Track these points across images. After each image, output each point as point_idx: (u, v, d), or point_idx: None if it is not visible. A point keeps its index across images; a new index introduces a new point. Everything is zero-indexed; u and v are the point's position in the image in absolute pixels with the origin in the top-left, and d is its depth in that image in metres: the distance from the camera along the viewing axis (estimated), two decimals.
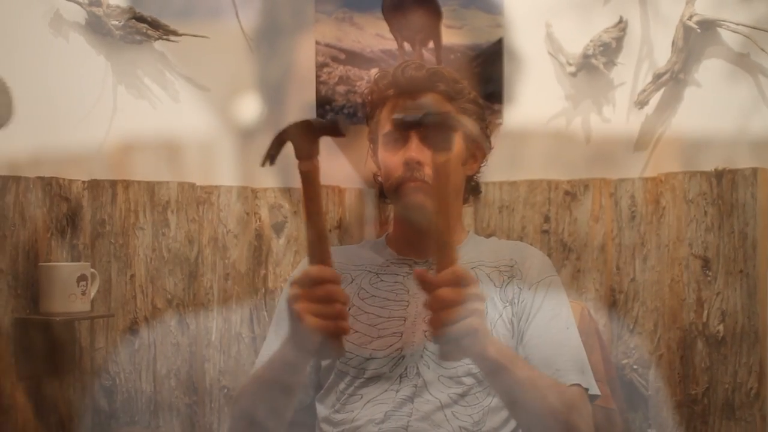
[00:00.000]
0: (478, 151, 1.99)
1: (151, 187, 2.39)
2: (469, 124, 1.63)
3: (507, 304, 1.88)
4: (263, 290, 2.46)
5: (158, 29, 2.39)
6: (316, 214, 1.62)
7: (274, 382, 1.79)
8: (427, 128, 1.64)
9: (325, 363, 1.91)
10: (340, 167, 2.50)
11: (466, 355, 1.61)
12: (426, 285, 1.56)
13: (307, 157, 1.61)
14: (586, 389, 1.81)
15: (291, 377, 1.78)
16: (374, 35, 2.50)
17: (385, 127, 1.92)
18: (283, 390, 1.80)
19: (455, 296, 1.53)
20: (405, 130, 1.86)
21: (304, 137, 1.61)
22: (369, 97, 2.00)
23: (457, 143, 1.91)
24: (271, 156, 1.62)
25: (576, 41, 2.43)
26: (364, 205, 2.51)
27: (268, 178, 2.46)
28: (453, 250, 1.58)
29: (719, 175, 2.32)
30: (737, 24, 2.31)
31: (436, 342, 1.57)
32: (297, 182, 2.31)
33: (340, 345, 1.62)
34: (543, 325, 1.85)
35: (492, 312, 1.86)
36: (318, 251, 1.62)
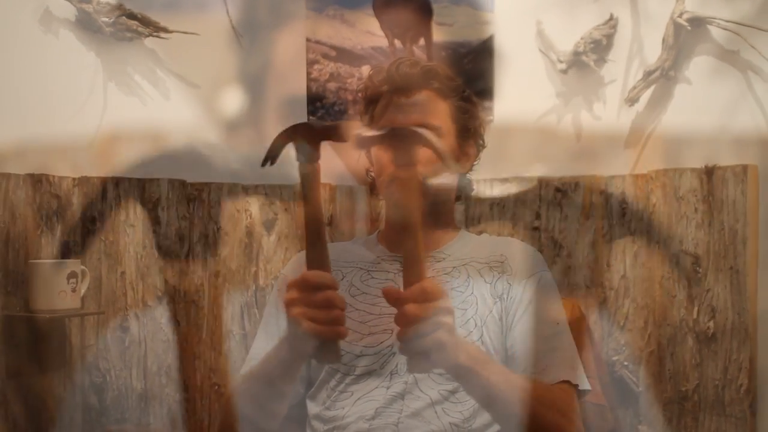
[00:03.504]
0: (471, 148, 1.99)
1: (141, 184, 2.38)
2: (433, 140, 1.62)
3: (497, 299, 1.88)
4: (254, 287, 2.46)
5: (149, 26, 2.39)
6: (315, 218, 1.61)
7: (267, 383, 1.79)
8: (390, 144, 1.63)
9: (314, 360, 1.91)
10: (330, 164, 2.50)
11: (435, 368, 1.61)
12: (394, 300, 1.56)
13: (308, 160, 1.61)
14: (576, 385, 1.81)
15: (285, 379, 1.78)
16: (365, 32, 2.50)
17: (379, 123, 1.92)
18: (276, 391, 1.80)
19: (422, 311, 1.53)
20: (365, 147, 1.87)
21: (306, 140, 1.61)
22: (363, 93, 2.00)
23: (450, 141, 1.91)
24: (272, 157, 1.61)
25: (566, 38, 2.43)
26: (355, 202, 2.51)
27: (258, 176, 2.46)
28: (422, 265, 1.57)
29: (709, 171, 2.33)
30: (727, 21, 2.32)
31: (403, 354, 1.57)
32: (287, 179, 2.34)
33: (337, 349, 1.61)
34: (532, 321, 1.85)
35: (482, 308, 1.86)
36: (316, 255, 1.61)
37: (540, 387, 1.77)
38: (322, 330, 1.58)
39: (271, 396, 1.80)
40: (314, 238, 1.62)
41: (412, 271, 1.57)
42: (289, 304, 1.59)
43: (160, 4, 2.43)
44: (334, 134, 1.63)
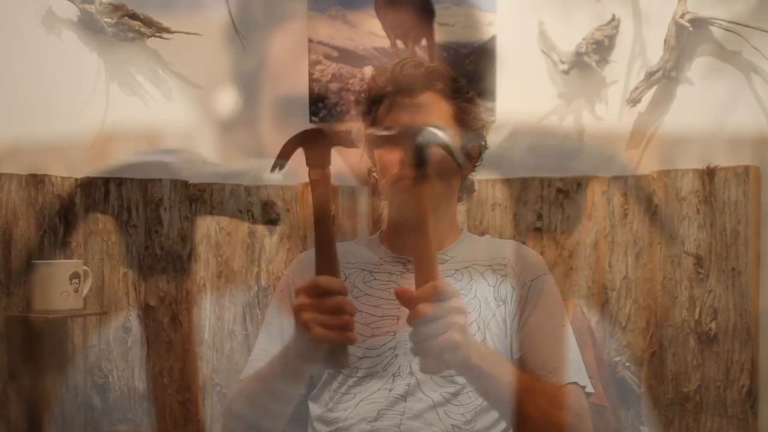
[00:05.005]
0: (474, 149, 1.99)
1: (143, 185, 2.38)
2: (446, 138, 1.62)
3: (500, 303, 1.88)
4: (256, 288, 2.46)
5: (151, 26, 2.39)
6: (326, 223, 1.62)
7: (272, 388, 1.79)
8: (402, 143, 1.64)
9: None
10: (333, 164, 2.50)
11: (447, 368, 1.61)
12: (406, 300, 1.56)
13: (319, 166, 1.60)
14: (583, 387, 1.81)
15: (291, 383, 1.78)
16: (367, 33, 2.50)
17: (382, 124, 1.92)
18: (281, 394, 1.80)
19: (435, 311, 1.53)
20: (379, 147, 1.87)
21: (317, 146, 1.60)
22: (366, 94, 2.00)
23: (453, 142, 1.91)
24: (282, 162, 1.61)
25: (569, 39, 2.43)
26: (358, 203, 2.51)
27: (260, 176, 2.46)
28: (434, 264, 1.58)
29: (711, 172, 2.33)
30: (729, 22, 2.32)
31: (415, 355, 1.57)
32: (289, 180, 2.34)
33: (346, 354, 1.61)
34: (538, 324, 1.85)
35: (485, 311, 1.86)
36: (326, 260, 1.61)
37: (552, 388, 1.77)
38: (332, 335, 1.58)
39: (277, 399, 1.81)
40: (324, 243, 1.62)
41: (423, 270, 1.57)
42: (298, 310, 1.59)
43: (163, 4, 2.42)
44: (344, 140, 1.63)
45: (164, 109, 2.43)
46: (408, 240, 1.96)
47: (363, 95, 2.02)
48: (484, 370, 1.66)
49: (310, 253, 2.05)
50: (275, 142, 2.39)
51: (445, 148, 1.63)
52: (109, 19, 2.35)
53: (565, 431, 1.74)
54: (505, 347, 1.86)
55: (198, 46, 2.42)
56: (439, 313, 1.54)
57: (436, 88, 1.92)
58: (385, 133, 1.68)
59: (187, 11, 2.48)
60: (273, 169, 1.61)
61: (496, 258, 1.95)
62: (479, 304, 1.88)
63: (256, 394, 1.83)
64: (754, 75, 2.34)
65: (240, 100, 2.49)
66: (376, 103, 1.95)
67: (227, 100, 2.50)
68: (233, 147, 2.49)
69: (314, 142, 1.60)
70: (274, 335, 1.93)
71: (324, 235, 1.61)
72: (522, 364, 1.83)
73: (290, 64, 2.52)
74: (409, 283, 1.90)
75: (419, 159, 1.58)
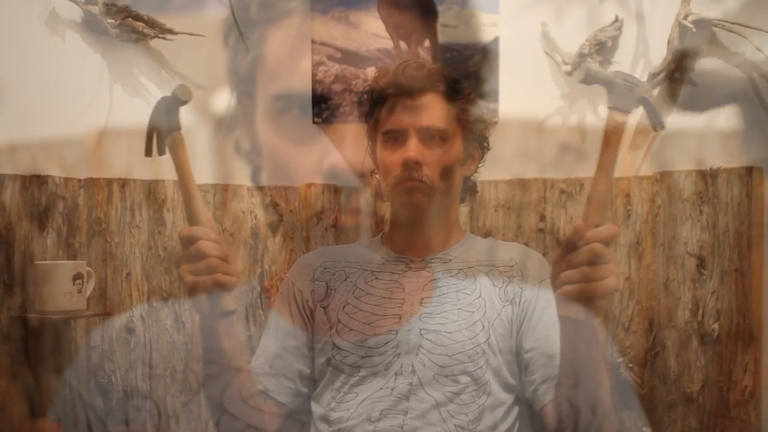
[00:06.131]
0: (476, 151, 2.00)
1: (147, 186, 2.39)
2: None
3: (507, 303, 1.88)
4: (259, 289, 2.46)
5: (154, 28, 2.39)
6: (187, 177, 1.72)
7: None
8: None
9: (318, 362, 1.91)
10: (335, 164, 2.50)
11: (588, 315, 1.62)
12: (579, 238, 1.58)
13: (173, 129, 1.74)
14: None
15: (215, 344, 1.81)
16: (370, 34, 2.50)
17: (385, 125, 1.93)
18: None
19: (607, 253, 1.56)
20: (394, 142, 1.90)
21: (167, 112, 1.73)
22: (369, 95, 2.01)
23: (455, 144, 1.92)
24: (150, 148, 1.74)
25: (572, 40, 2.43)
26: (360, 204, 2.51)
27: (263, 177, 2.46)
28: (607, 209, 1.62)
29: (714, 173, 2.33)
30: (732, 23, 2.31)
31: (564, 296, 1.60)
32: (293, 181, 2.35)
33: (227, 299, 1.66)
34: (549, 326, 1.85)
35: (490, 311, 1.87)
36: (191, 212, 1.72)
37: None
38: (200, 281, 1.63)
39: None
40: (188, 196, 1.72)
41: (597, 212, 1.61)
42: (176, 266, 1.66)
43: (167, 5, 2.43)
44: (182, 95, 1.71)
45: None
46: (411, 240, 1.97)
47: (365, 97, 2.03)
48: (595, 334, 1.67)
49: (311, 256, 2.07)
50: (278, 143, 2.40)
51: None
52: (113, 20, 2.35)
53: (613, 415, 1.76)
54: (510, 347, 1.86)
55: (201, 47, 2.43)
56: (609, 256, 1.57)
57: (438, 89, 1.93)
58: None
59: (190, 12, 2.48)
60: (146, 154, 1.69)
61: (502, 259, 1.96)
62: (484, 303, 1.88)
63: (203, 370, 1.87)
64: (757, 76, 2.34)
65: (242, 101, 2.49)
66: (378, 104, 1.96)
67: (230, 101, 2.50)
68: (235, 146, 2.49)
69: (165, 111, 1.76)
70: (272, 337, 1.94)
71: (187, 188, 1.73)
72: (533, 364, 1.84)
73: (293, 65, 2.52)
74: (409, 281, 1.92)
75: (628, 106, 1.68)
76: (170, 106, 1.75)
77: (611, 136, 1.65)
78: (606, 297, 1.58)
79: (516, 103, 2.47)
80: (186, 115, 2.43)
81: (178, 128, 1.75)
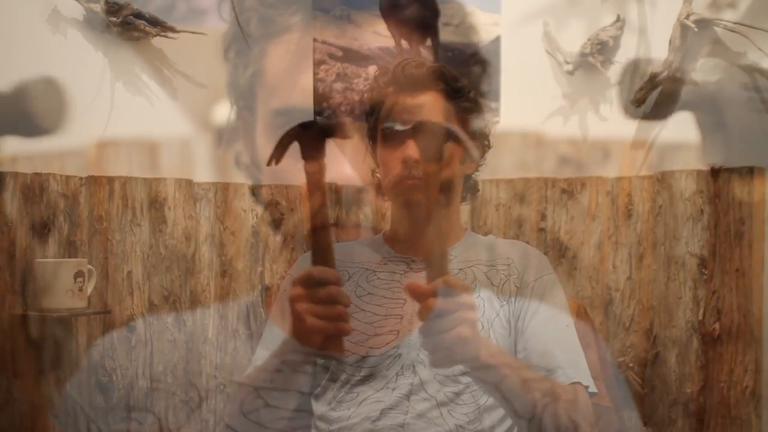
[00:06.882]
0: (477, 149, 2.00)
1: (148, 184, 2.39)
2: (460, 134, 1.64)
3: (504, 302, 1.88)
4: (260, 287, 2.46)
5: (156, 26, 2.39)
6: (321, 215, 1.63)
7: (272, 382, 1.80)
8: (417, 137, 1.65)
9: (320, 361, 1.91)
10: (337, 164, 2.50)
11: (457, 363, 1.63)
12: (417, 295, 1.57)
13: (314, 158, 1.62)
14: (586, 387, 1.81)
15: (290, 377, 1.79)
16: (372, 33, 2.50)
17: (385, 124, 1.93)
18: (280, 390, 1.81)
19: (445, 306, 1.55)
20: (393, 140, 1.88)
21: (311, 138, 1.62)
22: (369, 94, 2.01)
23: (456, 142, 1.92)
24: (277, 156, 1.62)
25: (573, 40, 2.43)
26: (361, 203, 2.51)
27: (264, 175, 2.46)
28: (445, 260, 1.60)
29: (715, 173, 2.33)
30: (734, 23, 2.31)
31: (425, 350, 1.59)
32: (293, 179, 2.34)
33: (340, 346, 1.63)
34: (542, 323, 1.86)
35: (489, 311, 1.87)
36: (321, 253, 1.64)
37: (558, 387, 1.78)
38: (325, 326, 1.60)
39: (275, 397, 1.82)
40: (320, 236, 1.64)
41: (434, 266, 1.59)
42: (293, 300, 1.62)
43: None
44: (339, 131, 1.65)
45: (169, 108, 2.44)
46: (412, 239, 1.97)
47: (365, 96, 2.03)
48: (492, 367, 1.67)
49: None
50: (273, 137, 2.39)
51: (463, 142, 1.65)
52: (115, 18, 2.35)
53: (574, 430, 1.75)
54: (510, 346, 1.86)
55: (203, 45, 2.43)
56: (449, 308, 1.55)
57: (438, 88, 1.93)
58: (400, 128, 1.70)
59: (191, 12, 2.48)
60: (269, 163, 1.63)
61: (501, 257, 1.96)
62: (483, 303, 1.88)
63: (255, 389, 1.84)
64: (758, 76, 2.34)
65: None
66: (379, 103, 1.96)
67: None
68: (237, 146, 2.49)
69: (309, 135, 1.62)
70: (277, 336, 1.94)
71: (320, 227, 1.64)
72: (525, 364, 1.84)
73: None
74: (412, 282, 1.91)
75: (434, 155, 1.59)
76: (319, 134, 1.64)
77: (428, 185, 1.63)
78: (459, 345, 1.57)
79: (517, 102, 2.48)
80: (186, 126, 2.45)
81: (323, 156, 1.63)
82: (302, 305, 1.60)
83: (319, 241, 1.63)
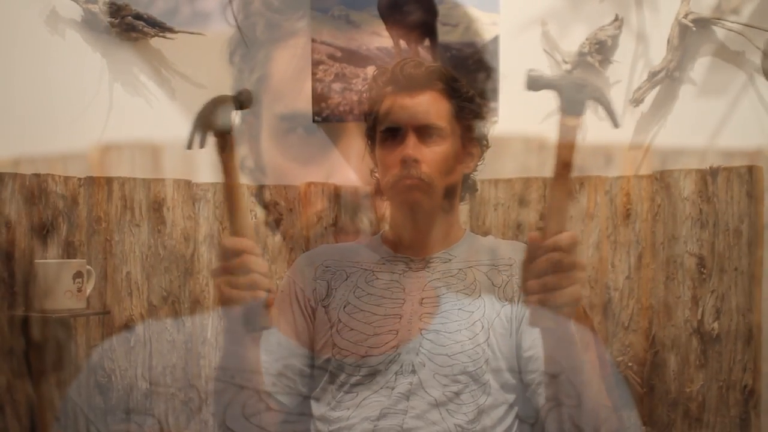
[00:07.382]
0: (475, 149, 2.00)
1: (147, 184, 2.39)
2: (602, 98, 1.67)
3: (506, 302, 1.88)
4: None
5: (154, 26, 2.39)
6: (233, 185, 1.68)
7: (232, 368, 1.82)
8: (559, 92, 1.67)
9: (318, 362, 1.91)
10: (335, 165, 2.50)
11: (556, 324, 1.61)
12: (536, 248, 1.57)
13: (223, 132, 1.69)
14: None
15: (244, 353, 1.80)
16: (370, 33, 2.50)
17: (383, 123, 1.93)
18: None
19: (567, 262, 1.54)
20: (392, 140, 1.89)
21: (219, 113, 1.69)
22: (367, 94, 2.01)
23: (454, 141, 1.92)
24: (194, 141, 1.68)
25: (572, 39, 2.43)
26: (360, 203, 2.51)
27: (263, 176, 2.46)
28: (565, 214, 1.60)
29: (714, 172, 2.33)
30: (732, 22, 2.31)
31: (529, 305, 1.58)
32: (292, 180, 2.34)
33: (265, 316, 1.65)
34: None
35: (489, 311, 1.86)
36: (236, 222, 1.68)
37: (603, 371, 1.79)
38: (239, 295, 1.62)
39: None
40: (233, 206, 1.68)
41: (555, 219, 1.59)
42: (213, 274, 1.65)
43: (166, 4, 2.43)
44: (245, 101, 1.69)
45: (167, 109, 2.44)
46: (411, 239, 1.97)
47: (364, 96, 2.03)
48: (574, 339, 1.67)
49: (312, 254, 2.06)
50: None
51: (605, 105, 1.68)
52: (113, 19, 2.35)
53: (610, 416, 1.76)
54: (510, 346, 1.86)
55: (201, 46, 2.43)
56: (569, 264, 1.56)
57: (437, 87, 1.93)
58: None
59: (190, 12, 2.48)
60: (188, 146, 1.66)
61: (502, 258, 1.96)
62: (483, 303, 1.88)
63: (222, 380, 1.85)
64: (757, 75, 2.34)
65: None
66: (377, 103, 1.96)
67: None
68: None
69: (215, 110, 1.70)
70: (274, 355, 1.94)
71: (233, 197, 1.68)
72: (533, 363, 1.84)
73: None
74: (409, 281, 1.92)
75: (577, 108, 1.66)
76: (226, 106, 1.70)
77: (565, 142, 1.64)
78: (571, 305, 1.57)
79: (515, 101, 2.47)
80: (185, 126, 2.44)
81: (229, 130, 1.69)
82: (219, 277, 1.65)
83: (234, 212, 1.69)
